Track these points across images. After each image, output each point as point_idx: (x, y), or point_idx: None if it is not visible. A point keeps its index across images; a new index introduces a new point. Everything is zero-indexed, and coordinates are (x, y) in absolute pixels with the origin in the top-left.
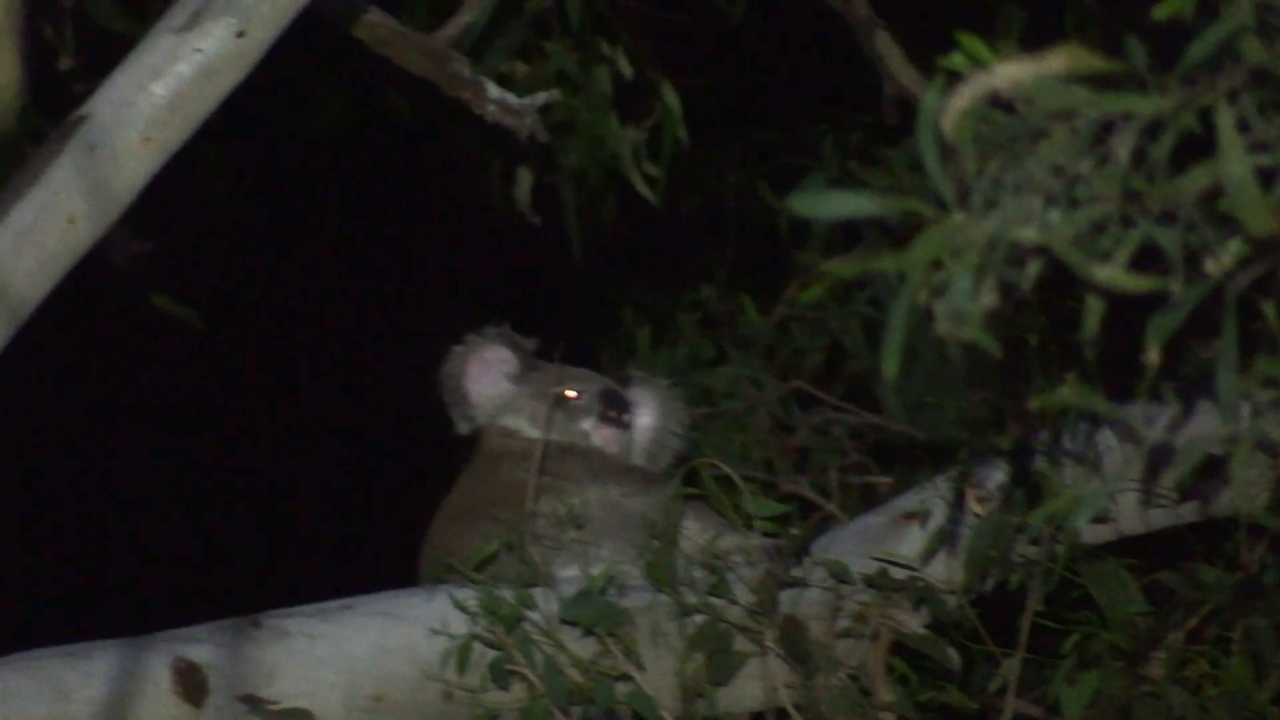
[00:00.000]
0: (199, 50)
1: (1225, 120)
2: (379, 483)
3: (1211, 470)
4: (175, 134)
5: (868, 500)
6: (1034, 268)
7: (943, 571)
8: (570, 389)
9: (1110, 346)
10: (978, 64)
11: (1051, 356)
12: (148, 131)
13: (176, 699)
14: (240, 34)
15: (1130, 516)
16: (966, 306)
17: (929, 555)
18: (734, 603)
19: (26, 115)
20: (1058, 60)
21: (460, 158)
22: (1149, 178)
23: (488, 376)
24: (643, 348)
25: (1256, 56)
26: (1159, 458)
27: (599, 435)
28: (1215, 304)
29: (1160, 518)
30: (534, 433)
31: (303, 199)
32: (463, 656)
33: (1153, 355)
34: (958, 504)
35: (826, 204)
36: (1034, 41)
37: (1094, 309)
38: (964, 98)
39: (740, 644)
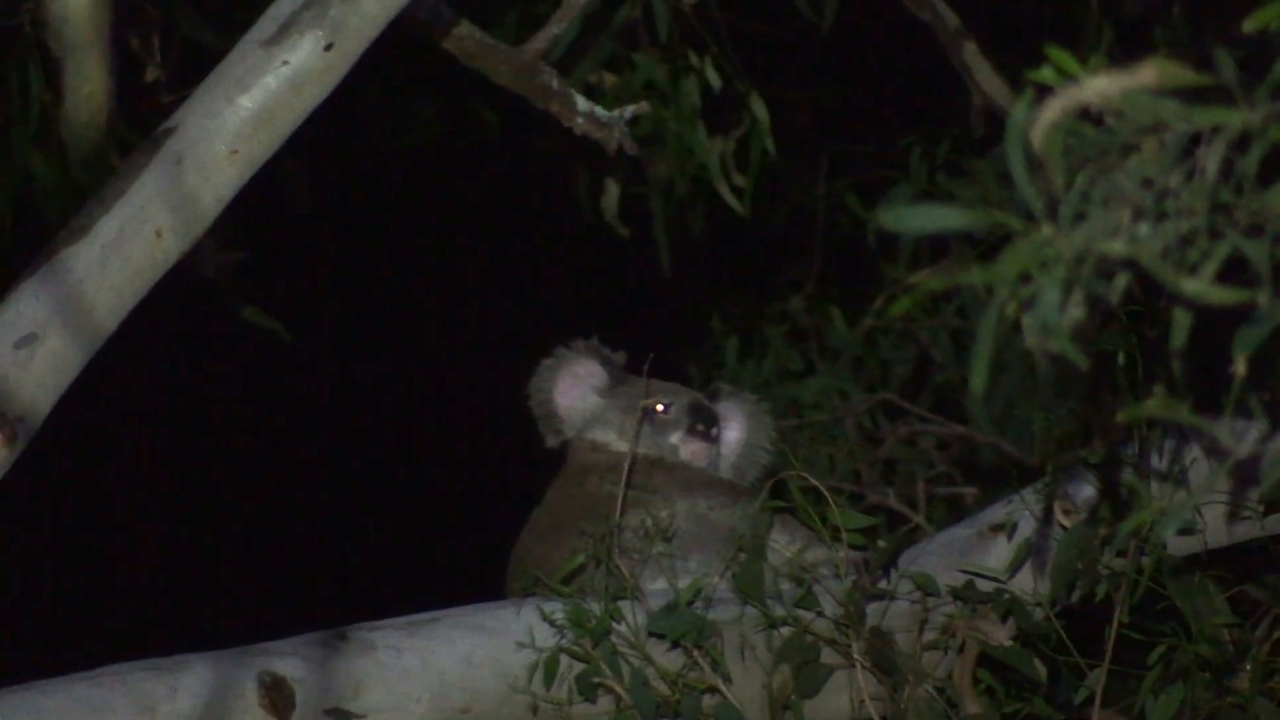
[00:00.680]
0: (286, 63)
1: None
2: (469, 495)
3: None
4: (262, 146)
5: (954, 512)
6: (1122, 280)
7: (1029, 584)
8: (658, 402)
9: (1198, 360)
10: (1066, 77)
11: (1139, 370)
12: (234, 144)
13: (263, 713)
14: (328, 47)
15: (1216, 529)
16: (1054, 319)
17: (1015, 567)
18: (821, 615)
19: (114, 127)
20: (1146, 73)
21: (549, 170)
22: (1237, 190)
23: (576, 390)
24: (730, 359)
25: None
26: (1245, 471)
27: (687, 449)
28: None
29: (1246, 530)
30: (622, 446)
31: (393, 211)
32: (550, 669)
33: (1239, 367)
34: (1044, 516)
35: (914, 218)
36: (1122, 55)
37: (1181, 322)
38: (1053, 111)
39: (827, 656)
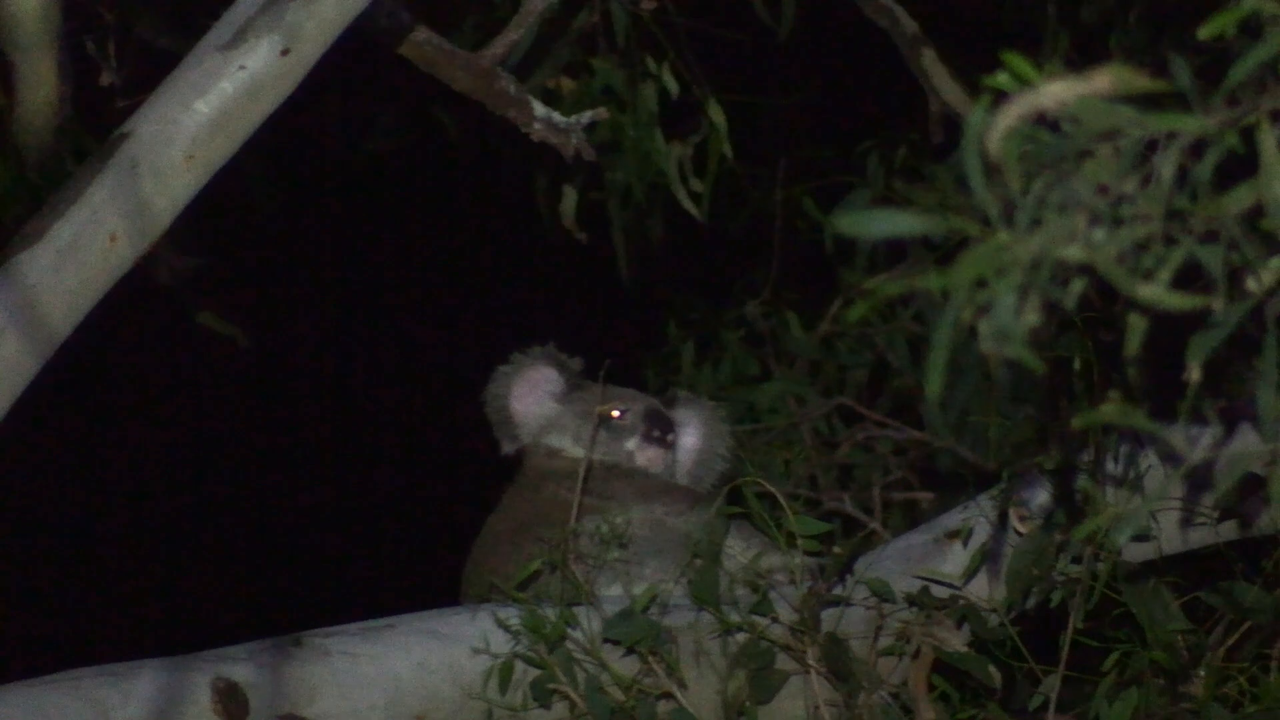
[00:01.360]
0: (243, 68)
1: (1268, 139)
2: (424, 502)
3: (1252, 489)
4: (219, 152)
5: (911, 518)
6: (1078, 286)
7: (985, 590)
8: (615, 408)
9: (1153, 366)
10: (1023, 83)
11: (1095, 376)
12: (191, 149)
13: (217, 718)
14: (285, 51)
15: (1171, 535)
16: (1010, 325)
17: (971, 574)
18: (776, 621)
19: (69, 132)
20: (1103, 80)
21: (507, 175)
22: (1192, 197)
23: (533, 396)
24: (687, 364)
25: None
26: (1200, 477)
27: (643, 455)
28: (1257, 323)
29: (1201, 536)
30: (578, 452)
31: (349, 217)
32: (505, 675)
33: (1194, 373)
34: (1000, 523)
35: (871, 222)
36: (1079, 61)
37: (1137, 328)
38: (1009, 116)
39: (783, 662)
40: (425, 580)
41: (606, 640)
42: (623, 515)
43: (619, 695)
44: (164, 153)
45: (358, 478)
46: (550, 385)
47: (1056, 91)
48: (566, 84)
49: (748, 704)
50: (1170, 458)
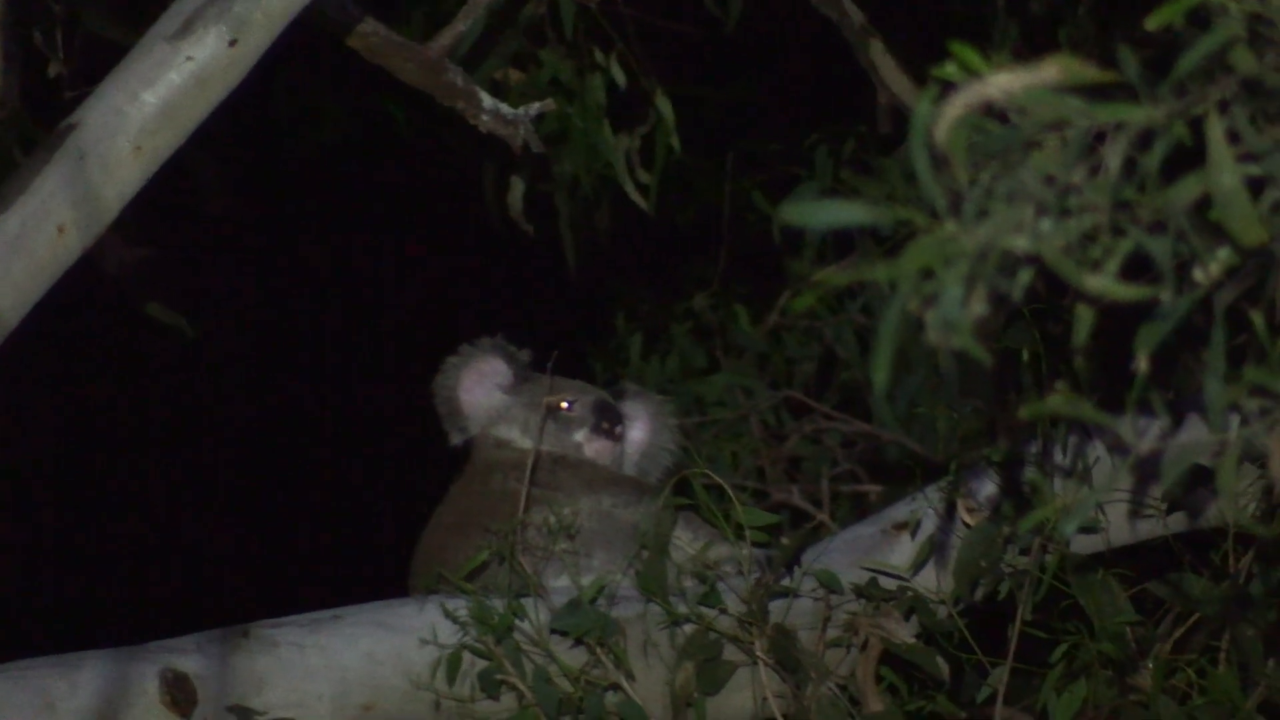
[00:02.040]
0: (191, 58)
1: (1215, 131)
2: (371, 493)
3: (1200, 480)
4: (166, 142)
5: (859, 509)
6: (1025, 277)
7: (933, 581)
8: (563, 400)
9: (1101, 357)
10: (971, 73)
11: (1042, 367)
12: (138, 140)
13: (164, 709)
14: (232, 42)
15: (1119, 527)
16: (957, 315)
17: (919, 565)
18: (724, 612)
19: (16, 123)
20: (1050, 70)
21: (455, 167)
22: (1140, 187)
23: (481, 387)
24: (635, 356)
25: (1247, 67)
26: (1148, 468)
27: (591, 447)
28: (1204, 314)
29: (1149, 528)
30: (526, 443)
31: (297, 208)
32: (453, 666)
33: (1142, 364)
34: (948, 514)
35: (819, 213)
36: (1027, 51)
37: (1084, 318)
38: (957, 107)
39: (730, 653)
40: (373, 571)
41: (554, 631)
42: (570, 506)
43: (567, 686)
44: (112, 143)
45: (305, 469)
46: (499, 377)
47: (1004, 82)
48: (514, 75)
49: (696, 695)
50: (1118, 449)
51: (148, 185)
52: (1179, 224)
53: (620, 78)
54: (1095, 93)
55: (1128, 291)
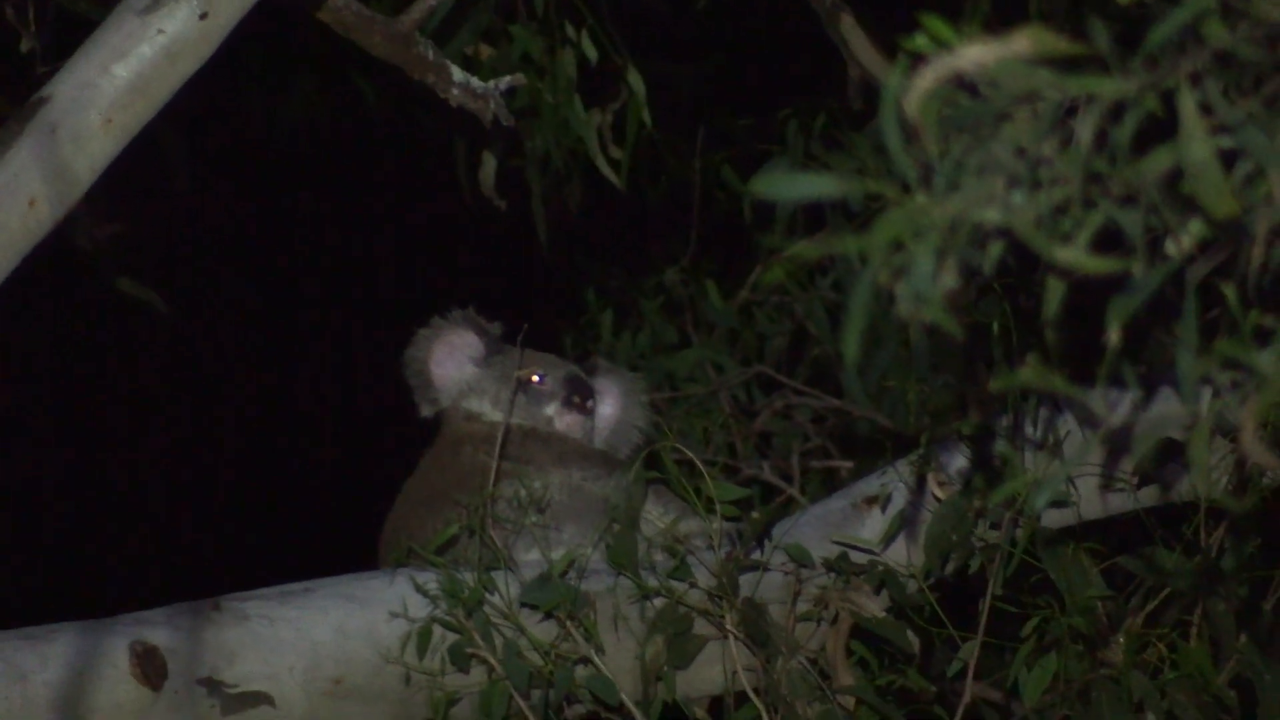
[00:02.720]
0: (162, 32)
1: (1187, 103)
2: (341, 465)
3: (1171, 454)
4: (137, 116)
5: (829, 485)
6: (996, 249)
7: (903, 555)
8: (534, 373)
9: (1072, 331)
10: (941, 46)
11: (1013, 340)
12: (109, 113)
13: (135, 682)
14: (203, 15)
15: (1090, 501)
16: (928, 288)
17: (889, 539)
18: (694, 586)
19: None
20: (1021, 42)
21: (426, 142)
22: (1111, 160)
23: (452, 359)
24: (606, 332)
25: (1219, 39)
26: (1119, 441)
27: (563, 421)
28: (1176, 287)
29: (1120, 502)
30: (497, 416)
31: (269, 183)
32: (423, 640)
33: (1113, 337)
34: (918, 488)
35: (789, 185)
36: (998, 24)
37: (1055, 291)
38: (927, 79)
39: (701, 627)
40: (343, 544)
41: (524, 605)
42: (541, 480)
43: (537, 660)
44: (82, 116)
45: (275, 442)
46: (470, 349)
47: (975, 54)
48: (485, 50)
49: (666, 669)
50: (1089, 422)
51: (117, 160)
52: (1151, 197)
53: (591, 53)
54: (1066, 65)
55: (1099, 264)
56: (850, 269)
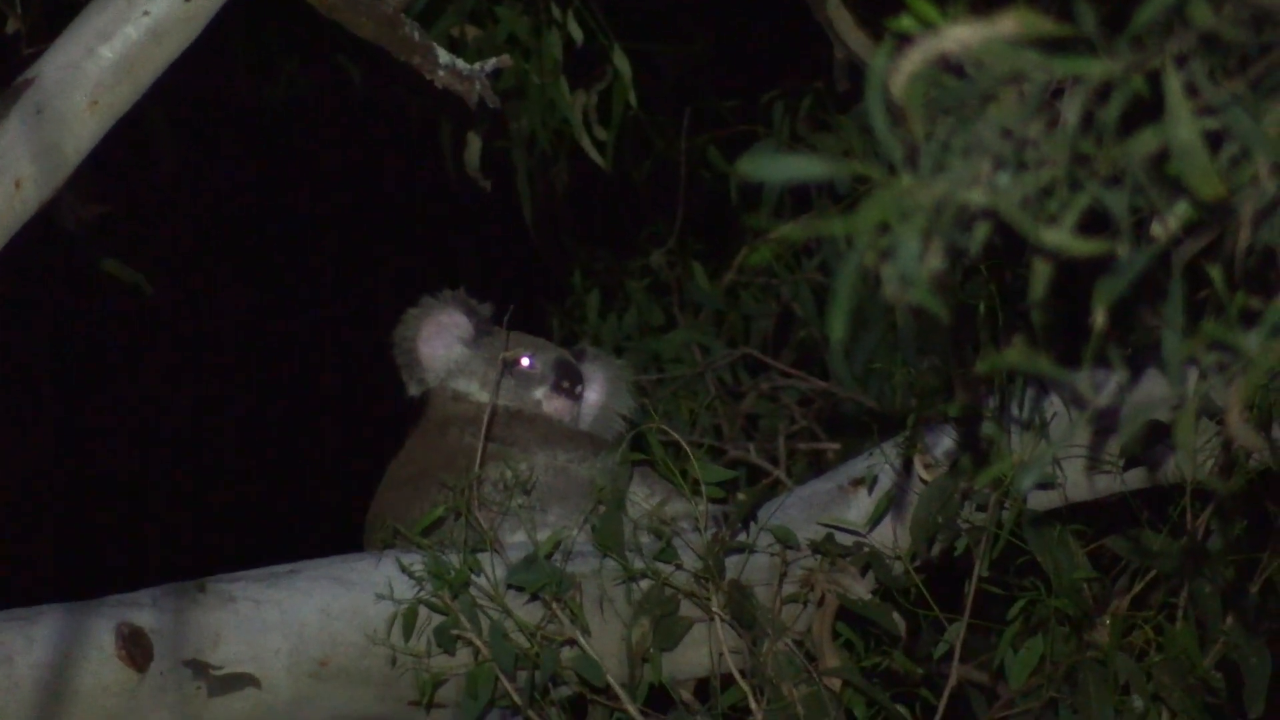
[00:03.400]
0: (147, 13)
1: (1173, 84)
2: (326, 446)
3: (1157, 436)
4: (123, 97)
5: (816, 467)
6: (982, 231)
7: (889, 537)
8: (522, 355)
9: (1058, 311)
10: (927, 27)
11: (999, 322)
12: (95, 94)
13: (120, 664)
14: None
15: (1077, 483)
16: (914, 270)
17: (876, 521)
18: (680, 568)
19: None
20: (1007, 23)
21: (411, 123)
22: (1097, 141)
23: (441, 340)
24: (592, 314)
25: (1205, 20)
26: (1105, 423)
27: (550, 405)
28: (1163, 269)
29: (1106, 484)
30: (484, 397)
31: (255, 165)
32: (409, 622)
33: (1099, 318)
34: (905, 470)
35: (775, 167)
36: (984, 4)
37: (1041, 273)
38: (913, 60)
39: (686, 609)
40: (329, 526)
41: (510, 586)
42: (526, 461)
43: (523, 642)
44: (68, 98)
45: (261, 423)
46: (459, 330)
47: (961, 35)
48: (471, 31)
49: (652, 650)
50: (1076, 404)
51: (102, 142)
52: (1137, 178)
53: (577, 34)
54: (1052, 46)
55: (1085, 246)
56: (836, 251)
